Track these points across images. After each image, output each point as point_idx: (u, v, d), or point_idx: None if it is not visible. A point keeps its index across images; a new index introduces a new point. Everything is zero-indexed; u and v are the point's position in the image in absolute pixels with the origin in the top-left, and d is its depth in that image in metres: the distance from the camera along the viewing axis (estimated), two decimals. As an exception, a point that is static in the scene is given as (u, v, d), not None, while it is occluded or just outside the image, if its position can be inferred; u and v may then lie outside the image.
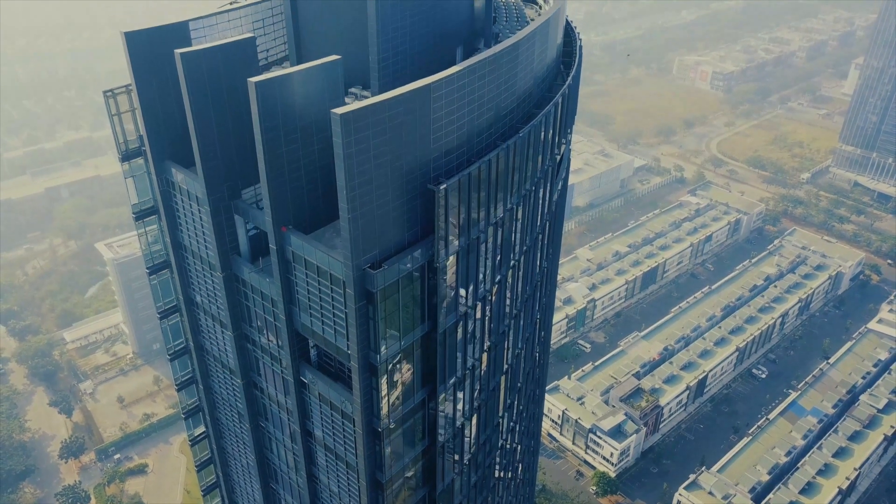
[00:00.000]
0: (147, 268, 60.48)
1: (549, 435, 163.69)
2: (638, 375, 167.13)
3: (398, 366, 46.17)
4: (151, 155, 52.17)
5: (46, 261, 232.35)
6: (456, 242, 45.09)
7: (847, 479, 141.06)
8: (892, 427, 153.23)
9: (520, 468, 79.88)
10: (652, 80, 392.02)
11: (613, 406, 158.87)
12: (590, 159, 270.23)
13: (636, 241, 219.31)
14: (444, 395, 50.70)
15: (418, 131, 40.38)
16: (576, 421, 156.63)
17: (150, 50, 48.04)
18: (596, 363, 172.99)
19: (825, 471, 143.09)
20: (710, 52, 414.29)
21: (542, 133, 52.44)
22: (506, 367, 60.47)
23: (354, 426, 47.64)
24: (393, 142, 39.02)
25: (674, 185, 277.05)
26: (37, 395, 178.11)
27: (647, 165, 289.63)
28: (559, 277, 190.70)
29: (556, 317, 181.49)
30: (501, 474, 70.77)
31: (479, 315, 51.58)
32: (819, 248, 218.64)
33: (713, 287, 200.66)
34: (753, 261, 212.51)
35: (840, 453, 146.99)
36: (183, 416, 70.23)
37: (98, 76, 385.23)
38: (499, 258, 52.03)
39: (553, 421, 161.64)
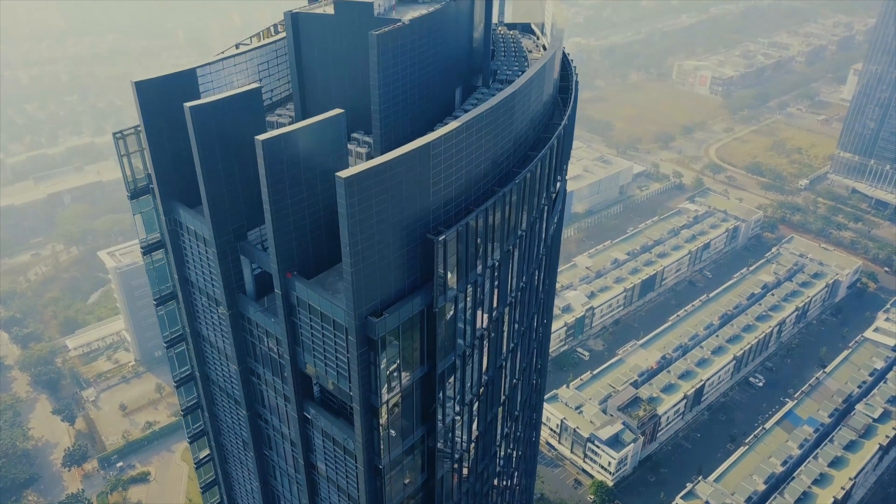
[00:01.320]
0: (154, 299, 62.03)
1: (548, 443, 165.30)
2: (636, 384, 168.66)
3: (398, 406, 47.83)
4: (160, 195, 53.75)
5: (49, 267, 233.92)
6: (454, 288, 46.70)
7: (842, 488, 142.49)
8: (887, 437, 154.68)
9: (517, 490, 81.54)
10: (651, 85, 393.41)
11: (611, 415, 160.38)
12: (589, 165, 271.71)
13: (635, 248, 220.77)
14: (442, 430, 52.34)
15: (418, 186, 42.02)
16: (574, 430, 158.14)
17: (159, 97, 49.57)
18: (594, 372, 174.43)
19: (820, 480, 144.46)
20: (709, 56, 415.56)
21: (539, 175, 54.01)
22: (503, 398, 62.19)
23: (356, 462, 49.32)
24: (394, 198, 40.67)
25: (673, 192, 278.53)
26: (40, 403, 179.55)
27: (646, 171, 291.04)
28: (558, 285, 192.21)
29: (555, 325, 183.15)
30: (499, 499, 72.43)
31: (476, 353, 53.20)
32: (816, 255, 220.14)
33: (711, 295, 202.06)
34: (751, 269, 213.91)
35: (835, 463, 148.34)
36: (188, 439, 71.88)
37: (100, 81, 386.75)
38: (496, 297, 53.63)
39: (551, 430, 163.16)
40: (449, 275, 45.67)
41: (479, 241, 47.48)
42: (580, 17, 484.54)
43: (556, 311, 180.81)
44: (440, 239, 43.08)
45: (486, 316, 52.89)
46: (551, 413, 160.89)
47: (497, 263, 51.53)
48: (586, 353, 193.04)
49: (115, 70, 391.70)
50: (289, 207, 44.48)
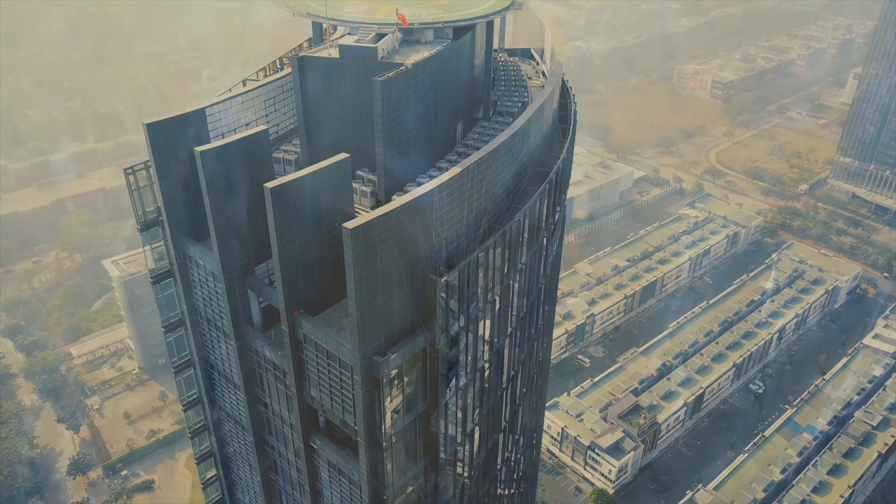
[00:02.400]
0: (163, 326, 63.29)
1: (549, 451, 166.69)
2: (636, 392, 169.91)
3: (402, 439, 49.24)
4: (169, 229, 55.08)
5: (52, 274, 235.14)
6: (456, 325, 48.08)
7: (841, 496, 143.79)
8: (886, 444, 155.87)
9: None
10: (652, 89, 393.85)
11: (612, 423, 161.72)
12: (589, 171, 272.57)
13: (635, 254, 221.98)
14: (444, 460, 53.71)
15: (421, 231, 43.42)
16: (575, 438, 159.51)
17: (169, 136, 50.82)
18: (595, 379, 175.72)
19: (820, 488, 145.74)
20: (709, 60, 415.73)
21: (538, 210, 55.35)
22: (504, 424, 63.58)
23: (361, 492, 50.74)
24: (398, 244, 42.07)
25: (673, 197, 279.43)
26: (44, 411, 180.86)
27: (646, 177, 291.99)
28: (558, 293, 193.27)
29: (556, 332, 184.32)
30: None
31: (477, 384, 54.59)
32: (816, 261, 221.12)
33: (711, 302, 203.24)
34: (751, 275, 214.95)
35: (835, 470, 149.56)
36: (196, 460, 73.28)
37: (102, 86, 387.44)
38: (497, 330, 55.00)
39: (552, 437, 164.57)
40: (450, 313, 47.02)
41: (479, 278, 48.84)
42: (580, 20, 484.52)
43: (556, 317, 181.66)
44: (442, 280, 44.47)
45: (486, 348, 54.28)
46: (552, 421, 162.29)
47: (497, 298, 52.88)
48: (587, 360, 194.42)
49: (117, 74, 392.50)
50: (296, 249, 45.88)
